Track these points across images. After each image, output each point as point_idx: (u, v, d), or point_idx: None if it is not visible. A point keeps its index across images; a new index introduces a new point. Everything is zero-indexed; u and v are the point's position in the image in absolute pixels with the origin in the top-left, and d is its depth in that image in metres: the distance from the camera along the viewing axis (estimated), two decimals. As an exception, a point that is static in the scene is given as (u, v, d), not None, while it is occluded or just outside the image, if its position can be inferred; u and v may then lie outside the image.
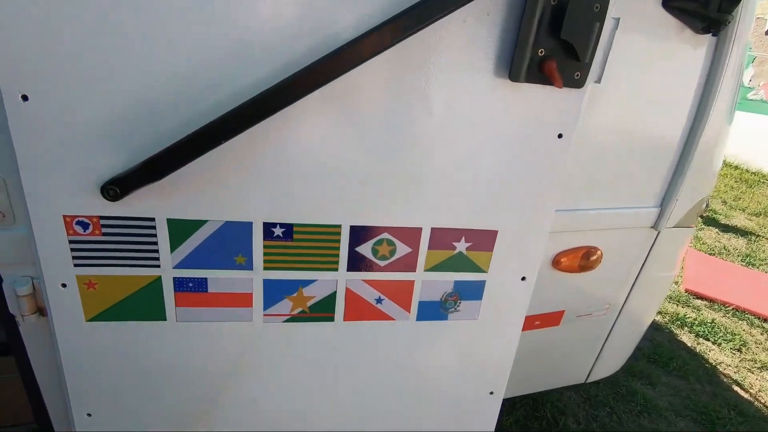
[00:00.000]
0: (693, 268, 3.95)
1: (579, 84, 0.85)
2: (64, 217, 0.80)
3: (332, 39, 0.75)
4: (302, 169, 0.84)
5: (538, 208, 0.97)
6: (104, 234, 0.83)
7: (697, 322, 3.30)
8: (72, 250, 0.83)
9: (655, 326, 3.25)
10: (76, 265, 0.84)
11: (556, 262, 1.50)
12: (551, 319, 1.65)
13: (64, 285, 0.86)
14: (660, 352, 2.96)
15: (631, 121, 1.37)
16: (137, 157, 0.77)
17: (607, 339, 1.85)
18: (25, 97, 0.71)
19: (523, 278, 1.04)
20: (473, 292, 1.03)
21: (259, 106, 0.73)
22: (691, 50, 1.31)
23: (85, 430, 1.00)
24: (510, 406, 2.42)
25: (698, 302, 3.58)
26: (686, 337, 3.17)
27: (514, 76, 0.81)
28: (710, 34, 1.25)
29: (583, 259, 1.52)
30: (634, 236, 1.57)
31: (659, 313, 3.41)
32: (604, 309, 1.73)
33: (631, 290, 1.73)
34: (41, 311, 0.94)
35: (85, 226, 0.82)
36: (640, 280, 1.71)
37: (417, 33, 0.72)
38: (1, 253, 0.89)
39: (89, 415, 0.98)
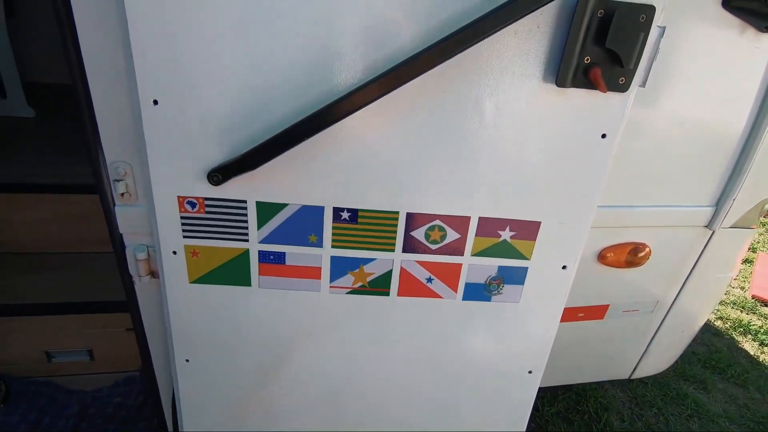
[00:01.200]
0: (763, 274, 3.71)
1: (623, 89, 0.91)
2: (178, 197, 1.00)
3: (398, 51, 0.87)
4: (367, 162, 0.98)
5: (581, 203, 1.04)
6: (207, 212, 1.02)
7: (762, 330, 3.12)
8: (182, 224, 1.03)
9: (714, 331, 3.12)
10: (184, 237, 1.04)
11: (601, 257, 1.54)
12: (595, 312, 1.69)
13: (174, 252, 1.06)
14: (717, 358, 2.85)
15: (687, 120, 1.38)
16: (236, 151, 0.94)
17: (654, 337, 1.85)
18: (155, 102, 0.90)
19: (564, 267, 1.12)
20: (516, 277, 1.12)
21: (334, 111, 0.87)
22: (753, 48, 1.30)
23: (183, 373, 1.21)
24: (552, 397, 2.47)
25: (766, 310, 3.37)
26: (749, 345, 3.02)
27: (560, 82, 0.90)
28: (774, 32, 1.23)
29: (630, 255, 1.55)
30: (686, 235, 1.58)
31: (720, 318, 3.26)
32: (651, 306, 1.74)
33: (681, 289, 1.72)
34: (153, 273, 1.16)
35: (193, 205, 1.01)
36: (692, 279, 1.70)
37: (473, 46, 0.83)
38: (125, 225, 1.11)
39: (187, 360, 1.20)
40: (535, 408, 2.41)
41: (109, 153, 1.02)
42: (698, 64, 1.30)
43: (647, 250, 1.56)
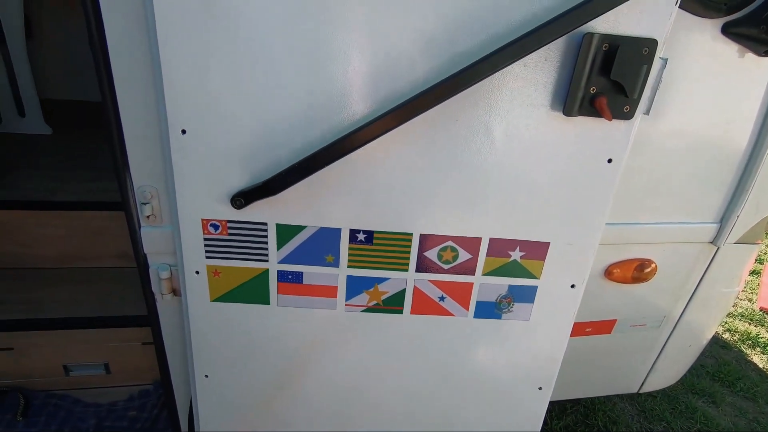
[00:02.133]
0: (770, 286, 3.70)
1: (628, 116, 0.96)
2: (202, 220, 1.05)
3: (414, 84, 0.92)
4: (383, 186, 1.02)
5: (588, 224, 1.08)
6: (229, 234, 1.06)
7: (771, 343, 3.12)
8: (205, 245, 1.08)
9: (721, 344, 3.12)
10: (207, 257, 1.09)
11: (608, 273, 1.57)
12: (603, 327, 1.72)
13: (197, 272, 1.11)
14: (726, 371, 2.85)
15: (691, 139, 1.42)
16: (257, 176, 0.99)
17: (662, 351, 1.87)
18: (183, 131, 0.96)
19: (573, 285, 1.15)
20: (526, 295, 1.16)
21: (352, 140, 0.92)
22: (754, 69, 1.34)
23: (202, 388, 1.25)
24: (560, 410, 2.48)
25: (774, 322, 3.37)
26: (758, 358, 3.01)
27: (567, 111, 0.94)
28: (774, 57, 1.27)
29: (637, 271, 1.58)
30: (691, 251, 1.61)
31: (728, 330, 3.26)
32: (658, 321, 1.77)
33: (688, 304, 1.75)
34: (175, 291, 1.21)
35: (216, 227, 1.06)
36: (698, 294, 1.73)
37: (485, 79, 0.88)
38: (150, 245, 1.15)
39: (206, 376, 1.24)
40: (544, 422, 2.42)
41: (136, 177, 1.07)
42: (701, 85, 1.34)
43: (653, 266, 1.59)
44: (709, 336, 1.93)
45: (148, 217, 1.11)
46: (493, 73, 0.87)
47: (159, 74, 0.91)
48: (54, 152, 2.70)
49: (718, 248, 1.61)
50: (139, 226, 1.12)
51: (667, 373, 1.97)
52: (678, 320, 1.79)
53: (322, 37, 0.88)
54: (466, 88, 0.88)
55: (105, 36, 0.92)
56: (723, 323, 3.35)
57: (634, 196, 1.46)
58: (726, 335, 3.23)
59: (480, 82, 0.90)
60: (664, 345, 1.85)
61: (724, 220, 1.56)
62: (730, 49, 1.30)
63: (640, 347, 1.84)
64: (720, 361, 2.94)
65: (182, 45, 0.88)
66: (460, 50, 0.90)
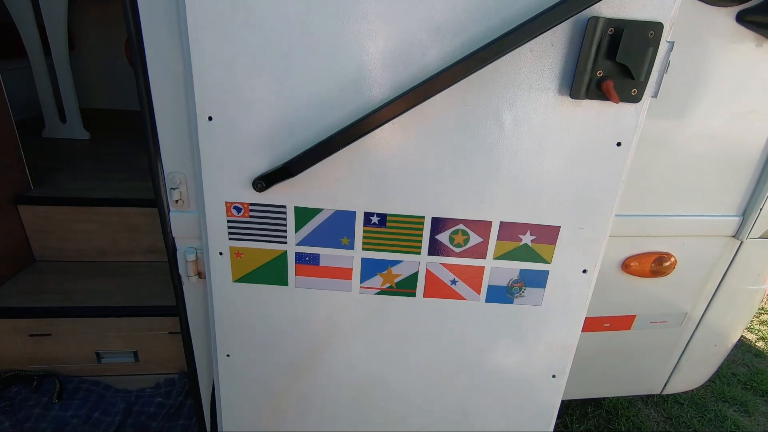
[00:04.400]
0: (809, 294, 3.53)
1: (636, 99, 0.97)
2: (226, 203, 1.12)
3: (424, 69, 0.97)
4: (396, 170, 1.07)
5: (599, 208, 1.09)
6: (251, 216, 1.13)
7: (809, 352, 2.97)
8: (229, 227, 1.14)
9: (755, 352, 2.99)
10: (230, 239, 1.15)
11: (625, 266, 1.56)
12: (622, 322, 1.69)
13: (221, 253, 1.17)
14: (760, 380, 2.74)
15: (709, 130, 1.41)
16: (278, 161, 1.06)
17: (684, 350, 1.83)
18: (210, 118, 1.03)
19: (585, 271, 1.16)
20: (537, 280, 1.17)
21: (366, 123, 0.97)
22: (772, 60, 1.33)
23: (224, 367, 1.31)
24: (582, 414, 2.43)
25: (813, 330, 3.20)
26: (794, 367, 2.87)
27: (574, 94, 0.97)
28: (791, 45, 1.26)
29: (655, 265, 1.56)
30: (713, 245, 1.58)
31: (762, 339, 3.13)
32: (680, 318, 1.73)
33: (711, 301, 1.71)
34: (200, 274, 1.28)
35: (239, 210, 1.12)
36: (721, 291, 1.69)
37: (491, 63, 0.92)
38: (178, 229, 1.23)
39: (228, 355, 1.29)
40: (564, 425, 2.37)
41: (167, 164, 1.15)
42: (718, 76, 1.34)
43: (672, 259, 1.56)
44: (735, 337, 1.87)
45: (176, 201, 1.19)
46: (499, 58, 0.91)
47: (189, 65, 0.99)
48: (92, 155, 2.87)
49: (742, 242, 1.58)
50: (169, 210, 1.20)
51: (691, 375, 1.91)
52: (701, 318, 1.74)
53: (338, 28, 0.95)
54: (474, 72, 0.92)
55: (142, 33, 1.01)
56: (757, 331, 3.21)
57: (652, 188, 1.46)
58: (760, 343, 3.09)
59: (488, 68, 0.94)
60: (687, 344, 1.80)
61: (746, 213, 1.53)
62: (747, 38, 1.30)
63: (662, 345, 1.80)
64: (753, 370, 2.82)
65: (210, 38, 0.96)
66: (468, 37, 0.95)
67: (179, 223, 1.22)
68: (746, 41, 1.30)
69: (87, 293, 2.02)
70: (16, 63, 3.21)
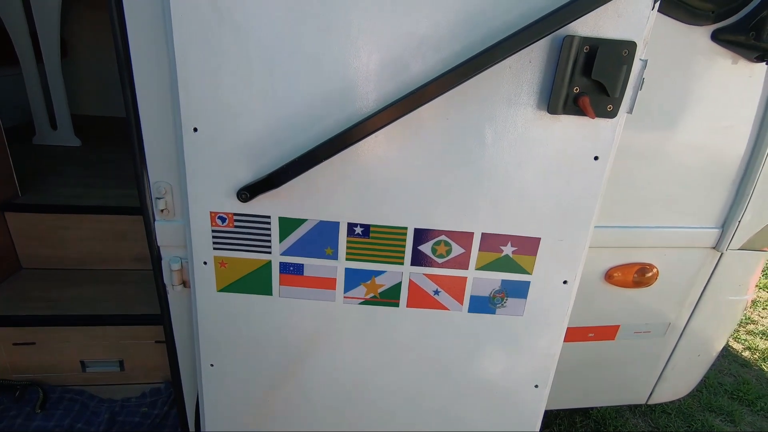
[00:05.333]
0: (794, 304, 3.58)
1: (611, 115, 1.00)
2: (211, 213, 1.12)
3: (406, 84, 0.99)
4: (379, 181, 1.08)
5: (578, 220, 1.12)
6: (236, 226, 1.14)
7: (793, 362, 3.00)
8: (213, 237, 1.15)
9: (741, 362, 3.02)
10: (214, 248, 1.16)
11: (608, 276, 1.58)
12: (606, 332, 1.71)
13: (205, 263, 1.18)
14: (746, 389, 2.76)
15: (689, 143, 1.44)
16: (262, 172, 1.07)
17: (669, 360, 1.84)
18: (195, 129, 1.04)
19: (565, 282, 1.18)
20: (519, 291, 1.19)
21: (350, 135, 0.99)
22: (747, 76, 1.37)
23: (208, 377, 1.31)
24: (570, 425, 2.43)
25: (798, 340, 3.24)
26: (779, 377, 2.90)
27: (552, 110, 1.00)
28: (765, 63, 1.30)
29: (638, 275, 1.59)
30: (694, 256, 1.61)
31: (748, 348, 3.16)
32: (663, 328, 1.75)
33: (693, 311, 1.73)
34: (185, 283, 1.28)
35: (223, 219, 1.13)
36: (703, 302, 1.71)
37: (471, 78, 0.94)
38: (163, 238, 1.23)
39: (212, 365, 1.29)
40: (552, 435, 2.37)
41: (152, 173, 1.16)
42: (696, 92, 1.38)
43: (654, 270, 1.59)
44: (719, 347, 1.90)
45: (162, 211, 1.19)
46: (478, 73, 0.93)
47: (174, 76, 1.00)
48: (81, 162, 2.87)
49: (722, 254, 1.61)
50: (154, 219, 1.21)
51: (676, 384, 1.93)
52: (684, 328, 1.77)
53: (323, 40, 0.97)
54: (455, 86, 0.95)
55: (128, 43, 1.02)
56: (743, 341, 3.24)
57: (633, 200, 1.49)
58: (746, 353, 3.12)
59: (469, 83, 0.96)
60: (671, 354, 1.82)
61: (725, 225, 1.56)
62: (722, 54, 1.34)
63: (646, 355, 1.82)
64: (739, 380, 2.85)
65: (195, 50, 0.97)
66: (449, 53, 0.97)
67: (164, 232, 1.22)
68: (724, 58, 1.33)
69: (73, 301, 2.01)
70: (7, 70, 3.22)
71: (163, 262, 1.25)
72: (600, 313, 1.66)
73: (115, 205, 2.21)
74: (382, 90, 1.00)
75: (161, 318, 1.36)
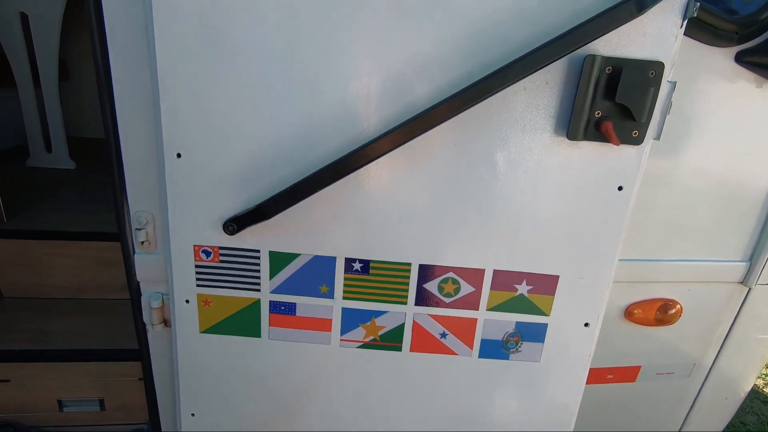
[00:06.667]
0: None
1: (637, 141, 0.91)
2: (194, 246, 1.02)
3: (410, 107, 0.90)
4: (380, 213, 0.98)
5: (600, 256, 1.01)
6: (221, 261, 1.03)
7: (820, 400, 2.83)
8: (197, 273, 1.04)
9: (763, 399, 2.85)
10: (198, 285, 1.05)
11: (628, 313, 1.46)
12: (626, 373, 1.58)
13: (187, 301, 1.07)
14: (771, 430, 2.58)
15: (712, 172, 1.35)
16: (251, 202, 0.97)
17: (694, 404, 1.70)
18: (179, 155, 0.95)
19: (587, 324, 1.06)
20: (535, 334, 1.07)
21: (347, 163, 0.89)
22: (774, 101, 1.29)
23: (188, 428, 1.17)
24: (584, 469, 2.25)
25: (824, 376, 3.07)
26: (806, 416, 2.72)
27: (571, 136, 0.90)
28: (792, 86, 1.22)
29: (660, 313, 1.47)
30: (720, 291, 1.49)
31: (770, 385, 2.98)
32: (688, 369, 1.62)
33: (720, 350, 1.60)
34: (166, 322, 1.17)
35: (208, 254, 1.03)
36: (730, 340, 1.59)
37: (482, 101, 0.85)
38: (143, 273, 1.13)
39: (193, 415, 1.16)
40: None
41: (133, 202, 1.06)
42: (719, 116, 1.29)
43: (678, 307, 1.47)
44: (747, 388, 1.75)
45: (142, 243, 1.09)
46: (490, 95, 0.84)
47: (157, 98, 0.92)
48: (74, 185, 2.78)
49: (750, 289, 1.49)
50: (134, 252, 1.10)
51: (702, 429, 1.78)
52: (710, 369, 1.63)
53: (318, 60, 0.88)
54: (464, 110, 0.86)
55: (109, 65, 0.94)
56: (763, 376, 3.07)
57: (656, 232, 1.38)
58: (768, 389, 2.95)
59: (479, 107, 0.87)
60: (696, 396, 1.68)
61: (753, 258, 1.45)
62: (747, 77, 1.25)
63: (670, 398, 1.68)
64: (763, 419, 2.67)
65: (180, 68, 0.89)
66: (456, 74, 0.88)
67: (145, 266, 1.12)
68: (747, 81, 1.25)
69: (57, 334, 1.88)
70: (4, 91, 3.17)
71: (142, 298, 1.14)
72: (619, 353, 1.53)
73: (105, 231, 2.11)
74: (383, 114, 0.91)
75: (140, 358, 1.24)
